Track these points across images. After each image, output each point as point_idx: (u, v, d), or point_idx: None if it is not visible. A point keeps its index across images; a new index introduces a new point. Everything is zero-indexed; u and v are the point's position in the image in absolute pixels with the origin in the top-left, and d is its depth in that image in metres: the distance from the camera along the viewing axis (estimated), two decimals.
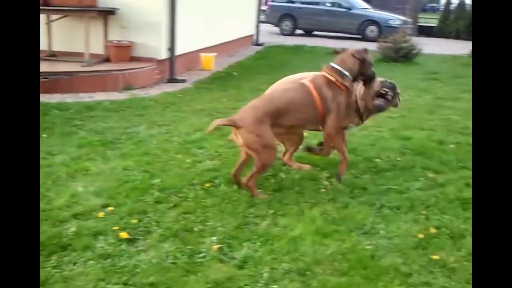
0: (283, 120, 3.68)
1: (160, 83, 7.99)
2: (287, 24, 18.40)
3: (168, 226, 3.12)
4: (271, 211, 3.40)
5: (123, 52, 7.69)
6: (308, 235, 3.05)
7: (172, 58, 8.09)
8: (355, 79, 3.87)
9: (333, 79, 3.76)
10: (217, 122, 3.68)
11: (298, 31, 18.98)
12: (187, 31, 8.66)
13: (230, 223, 3.19)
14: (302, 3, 18.51)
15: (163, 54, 7.99)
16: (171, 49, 8.02)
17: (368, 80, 3.94)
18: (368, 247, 2.95)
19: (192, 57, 9.33)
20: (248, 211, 3.40)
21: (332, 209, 3.44)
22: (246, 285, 2.56)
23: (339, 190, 3.79)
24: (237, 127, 3.55)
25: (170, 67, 8.12)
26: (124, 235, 2.98)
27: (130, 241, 2.95)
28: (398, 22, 16.49)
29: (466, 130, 5.59)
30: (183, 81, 8.17)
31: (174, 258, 2.79)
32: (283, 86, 4.01)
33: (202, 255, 2.82)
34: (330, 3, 18.22)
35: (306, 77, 3.91)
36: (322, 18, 17.94)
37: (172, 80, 8.11)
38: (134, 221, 3.18)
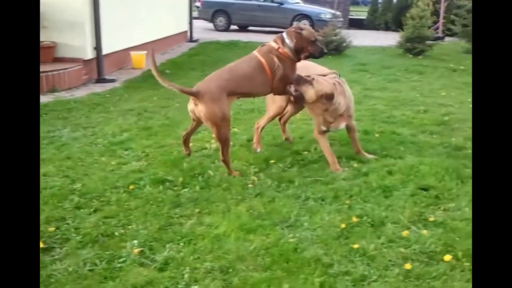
0: (241, 89, 3.94)
1: (88, 83, 7.74)
2: (221, 20, 18.30)
3: (88, 232, 3.01)
4: (197, 210, 3.36)
5: (46, 53, 7.35)
6: (232, 232, 3.03)
7: (99, 58, 7.84)
8: (298, 52, 4.03)
9: (276, 45, 4.03)
10: (178, 87, 3.77)
11: (233, 27, 18.94)
12: (115, 29, 8.43)
13: (153, 225, 3.12)
14: None
15: (89, 54, 7.73)
16: (98, 48, 7.76)
17: (313, 57, 4.15)
18: (292, 240, 2.96)
19: (122, 56, 9.10)
20: (173, 211, 3.34)
21: (259, 204, 3.45)
22: (166, 287, 2.51)
23: (267, 185, 3.80)
24: (198, 97, 3.72)
25: (98, 67, 7.87)
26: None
27: (45, 250, 2.82)
28: (328, 16, 16.79)
29: (390, 119, 5.78)
30: (112, 81, 7.95)
31: (92, 265, 2.69)
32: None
33: (122, 259, 2.74)
34: None
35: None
36: (256, 13, 17.98)
37: (100, 80, 7.87)
38: (51, 229, 3.05)
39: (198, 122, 4.02)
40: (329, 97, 3.99)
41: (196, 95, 3.76)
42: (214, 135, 3.98)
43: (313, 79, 4.02)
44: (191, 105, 3.90)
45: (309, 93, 4.00)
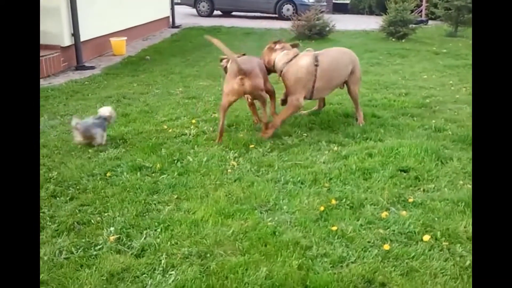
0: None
1: (67, 71, 7.60)
2: (203, 5, 18.07)
3: (63, 220, 2.96)
4: (175, 196, 3.33)
5: None
6: (210, 217, 3.01)
7: (77, 44, 7.68)
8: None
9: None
10: (239, 62, 4.14)
11: (217, 12, 18.74)
12: (94, 15, 8.27)
13: (130, 212, 3.07)
14: None
15: (67, 40, 7.57)
16: (75, 34, 7.61)
17: None
18: (270, 223, 2.95)
19: (102, 42, 8.94)
20: (151, 198, 3.30)
21: (237, 189, 3.42)
22: (143, 273, 2.48)
23: (246, 169, 3.77)
24: (247, 75, 4.13)
25: (76, 53, 7.72)
26: None
27: None
28: (312, 0, 16.65)
29: (371, 102, 5.76)
30: (91, 68, 7.82)
31: (68, 253, 2.65)
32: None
33: (98, 247, 2.71)
34: None
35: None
36: None
37: (79, 67, 7.73)
38: None
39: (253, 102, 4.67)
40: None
41: (245, 74, 4.13)
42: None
43: None
44: (237, 85, 4.17)
45: None
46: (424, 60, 8.99)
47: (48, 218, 3.00)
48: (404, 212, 3.11)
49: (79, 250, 2.67)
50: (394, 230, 2.91)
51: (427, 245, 2.75)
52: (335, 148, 4.20)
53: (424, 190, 3.45)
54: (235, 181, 3.57)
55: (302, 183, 3.52)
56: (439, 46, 10.65)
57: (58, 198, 3.27)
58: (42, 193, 3.31)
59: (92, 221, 2.97)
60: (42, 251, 2.65)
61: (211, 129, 4.71)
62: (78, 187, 3.42)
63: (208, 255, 2.63)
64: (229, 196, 3.32)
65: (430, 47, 10.54)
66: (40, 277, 2.43)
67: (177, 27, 14.10)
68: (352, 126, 4.81)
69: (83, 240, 2.77)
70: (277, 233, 2.84)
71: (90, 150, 4.10)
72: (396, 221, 3.00)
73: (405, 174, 3.68)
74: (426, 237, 2.81)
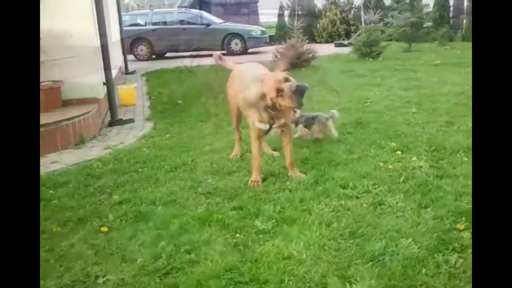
0: None
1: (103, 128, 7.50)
2: (142, 49, 15.21)
3: (105, 215, 3.08)
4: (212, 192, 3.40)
5: (52, 95, 5.36)
6: (246, 213, 3.05)
7: (111, 95, 5.85)
8: None
9: None
10: None
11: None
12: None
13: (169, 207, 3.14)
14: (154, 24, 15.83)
15: (102, 92, 6.24)
16: (108, 82, 5.88)
17: None
18: (305, 221, 2.92)
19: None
20: (187, 192, 3.38)
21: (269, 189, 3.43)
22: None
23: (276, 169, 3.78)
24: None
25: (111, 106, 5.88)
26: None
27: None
28: (259, 33, 16.29)
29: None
30: (130, 121, 6.30)
31: (111, 247, 2.72)
32: None
33: (139, 242, 2.75)
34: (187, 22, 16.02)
35: None
36: (181, 38, 15.00)
37: (115, 122, 6.56)
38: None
39: None
40: None
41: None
42: None
43: None
44: None
45: None
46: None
47: (90, 214, 3.11)
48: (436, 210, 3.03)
49: (121, 245, 2.73)
50: (434, 228, 2.83)
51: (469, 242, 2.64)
52: (366, 148, 4.19)
53: None
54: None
55: (334, 183, 3.47)
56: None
57: (97, 196, 3.41)
58: (82, 191, 3.45)
59: (130, 215, 3.08)
60: (87, 245, 2.74)
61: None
62: (116, 185, 3.56)
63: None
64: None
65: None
66: (88, 269, 2.50)
67: (131, 73, 11.08)
68: (381, 125, 4.80)
69: (125, 235, 2.83)
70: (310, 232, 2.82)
71: None
72: (434, 218, 2.93)
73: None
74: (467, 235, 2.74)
